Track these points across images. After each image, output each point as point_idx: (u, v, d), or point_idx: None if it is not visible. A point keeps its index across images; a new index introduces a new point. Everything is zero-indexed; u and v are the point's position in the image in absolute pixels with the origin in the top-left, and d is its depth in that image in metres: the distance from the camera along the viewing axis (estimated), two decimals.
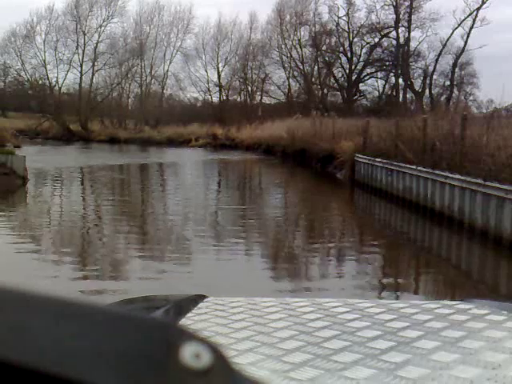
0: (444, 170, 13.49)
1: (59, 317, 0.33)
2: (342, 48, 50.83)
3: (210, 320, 1.36)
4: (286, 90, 52.39)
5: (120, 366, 0.32)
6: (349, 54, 50.56)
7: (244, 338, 1.19)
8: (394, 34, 48.56)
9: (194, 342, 0.34)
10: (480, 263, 10.32)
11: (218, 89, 54.41)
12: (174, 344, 0.33)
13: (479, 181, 11.47)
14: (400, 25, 47.89)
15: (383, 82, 51.01)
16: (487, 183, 11.17)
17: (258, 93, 53.78)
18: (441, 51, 46.96)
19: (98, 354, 0.32)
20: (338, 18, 49.88)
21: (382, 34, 49.32)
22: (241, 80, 53.69)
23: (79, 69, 54.00)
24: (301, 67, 51.25)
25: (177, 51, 54.98)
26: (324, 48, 50.77)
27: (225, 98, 54.48)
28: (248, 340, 1.18)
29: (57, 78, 54.31)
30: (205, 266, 8.65)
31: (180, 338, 0.34)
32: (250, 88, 53.74)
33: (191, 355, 0.33)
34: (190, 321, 1.35)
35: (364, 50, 50.65)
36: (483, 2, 44.02)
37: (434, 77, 48.28)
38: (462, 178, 12.30)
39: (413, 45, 48.34)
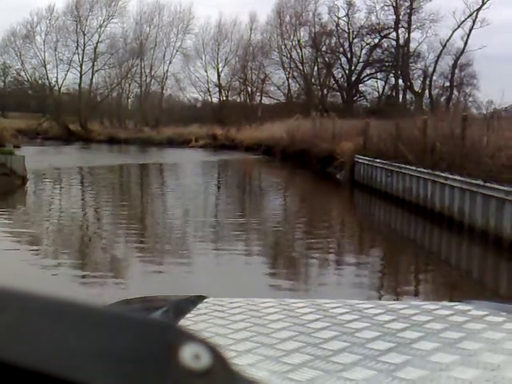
0: (444, 170, 13.49)
1: (59, 317, 0.33)
2: (341, 49, 50.82)
3: (209, 321, 1.36)
4: (286, 91, 52.39)
5: (120, 366, 0.32)
6: (349, 55, 50.56)
7: (243, 339, 1.19)
8: (393, 34, 48.64)
9: (193, 342, 0.34)
10: (480, 264, 10.32)
11: (217, 89, 54.43)
12: (173, 345, 0.33)
13: (479, 182, 11.46)
14: (400, 26, 47.91)
15: (383, 82, 51.09)
16: (487, 184, 11.17)
17: (258, 93, 53.79)
18: (440, 52, 46.99)
19: (97, 354, 0.32)
20: (338, 18, 49.95)
21: (382, 34, 49.34)
22: (240, 80, 53.67)
23: (79, 69, 54.00)
24: (300, 68, 51.25)
25: (176, 51, 55.01)
26: (324, 49, 50.77)
27: (225, 98, 54.46)
28: (247, 341, 1.18)
29: (56, 78, 54.35)
30: (206, 268, 8.67)
31: (180, 339, 0.34)
32: (249, 88, 53.73)
33: (191, 356, 0.33)
34: (189, 321, 1.35)
35: (364, 51, 50.73)
36: (483, 3, 44.09)
37: (434, 78, 48.35)
38: (462, 179, 12.29)
39: (412, 46, 48.46)
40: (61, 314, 0.34)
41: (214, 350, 0.34)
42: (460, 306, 1.43)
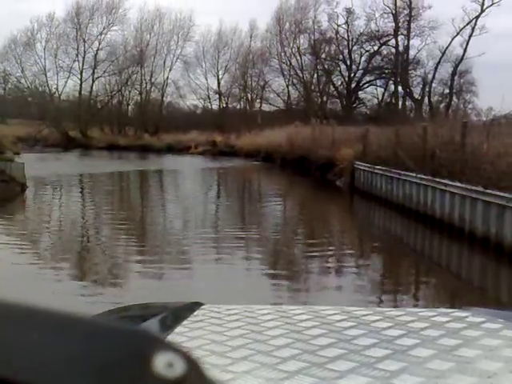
0: (444, 177, 13.47)
1: (31, 325, 0.33)
2: (341, 56, 50.96)
3: (205, 328, 1.35)
4: (286, 98, 52.49)
5: (92, 375, 0.31)
6: (348, 62, 50.69)
7: (239, 346, 1.19)
8: (393, 42, 48.74)
9: (167, 350, 0.33)
10: (480, 272, 10.30)
11: (217, 96, 54.52)
12: (146, 353, 0.33)
13: (480, 189, 11.45)
14: (399, 33, 48.03)
15: (382, 89, 51.15)
16: (488, 191, 11.15)
17: (258, 100, 53.88)
18: (440, 59, 47.07)
19: (69, 363, 0.31)
20: (338, 26, 50.11)
21: (382, 42, 49.47)
22: (240, 87, 53.76)
23: (79, 76, 54.12)
24: (300, 75, 51.36)
25: (177, 59, 55.12)
26: (323, 56, 50.90)
27: (224, 105, 54.56)
28: (243, 348, 1.17)
29: (57, 85, 54.47)
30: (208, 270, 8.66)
31: (153, 347, 0.33)
32: (249, 95, 53.83)
33: (164, 364, 0.32)
34: (185, 328, 1.35)
35: (363, 58, 50.88)
36: (482, 11, 44.17)
37: (434, 85, 48.41)
38: (463, 185, 12.27)
39: (412, 53, 48.56)
40: (33, 321, 0.33)
41: (188, 358, 0.33)
42: (457, 313, 1.42)
